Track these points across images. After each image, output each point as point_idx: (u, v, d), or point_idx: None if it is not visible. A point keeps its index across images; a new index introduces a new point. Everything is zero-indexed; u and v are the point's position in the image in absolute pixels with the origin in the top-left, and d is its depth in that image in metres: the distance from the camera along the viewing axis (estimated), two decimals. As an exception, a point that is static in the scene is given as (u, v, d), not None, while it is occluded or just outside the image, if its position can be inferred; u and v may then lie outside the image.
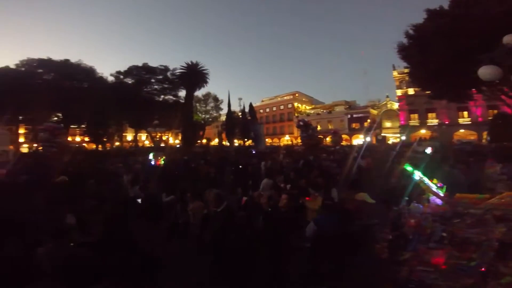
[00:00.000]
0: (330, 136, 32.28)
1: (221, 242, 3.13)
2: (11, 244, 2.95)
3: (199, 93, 39.75)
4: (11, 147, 26.72)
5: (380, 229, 2.76)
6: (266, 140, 40.38)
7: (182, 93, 33.94)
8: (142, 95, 33.73)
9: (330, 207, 3.58)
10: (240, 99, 75.02)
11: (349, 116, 48.08)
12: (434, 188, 3.07)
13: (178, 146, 32.81)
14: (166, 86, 35.83)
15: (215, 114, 48.14)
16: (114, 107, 29.37)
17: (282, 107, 58.45)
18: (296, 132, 46.97)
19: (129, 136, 47.29)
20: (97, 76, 33.12)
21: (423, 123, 37.26)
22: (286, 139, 54.22)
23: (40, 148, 16.56)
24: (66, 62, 30.58)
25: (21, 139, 31.13)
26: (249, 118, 39.34)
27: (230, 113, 39.60)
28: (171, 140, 43.94)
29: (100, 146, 32.78)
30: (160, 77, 35.22)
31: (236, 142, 39.79)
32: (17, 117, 28.67)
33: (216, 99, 46.72)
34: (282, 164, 10.66)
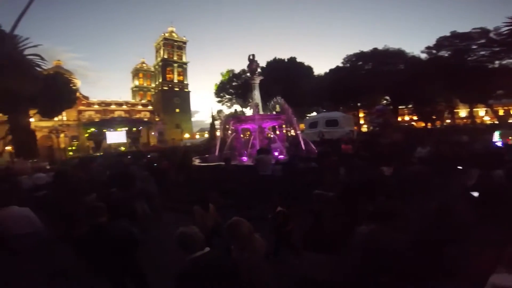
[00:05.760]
0: None
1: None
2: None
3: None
4: (355, 128, 34.46)
5: None
6: None
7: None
8: (467, 65, 27.89)
9: None
10: None
11: None
12: None
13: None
14: (497, 49, 27.14)
15: None
16: (438, 83, 26.26)
17: None
18: None
19: (463, 112, 39.50)
20: (409, 56, 32.49)
21: None
22: None
23: (367, 128, 19.42)
24: (375, 50, 33.27)
25: (361, 121, 38.74)
26: None
27: None
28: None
29: (429, 124, 31.91)
30: (483, 41, 27.69)
31: None
32: (357, 103, 35.89)
33: None
34: None
